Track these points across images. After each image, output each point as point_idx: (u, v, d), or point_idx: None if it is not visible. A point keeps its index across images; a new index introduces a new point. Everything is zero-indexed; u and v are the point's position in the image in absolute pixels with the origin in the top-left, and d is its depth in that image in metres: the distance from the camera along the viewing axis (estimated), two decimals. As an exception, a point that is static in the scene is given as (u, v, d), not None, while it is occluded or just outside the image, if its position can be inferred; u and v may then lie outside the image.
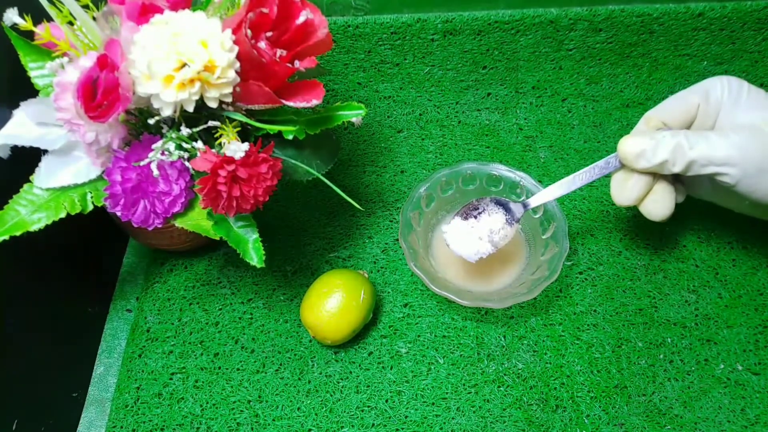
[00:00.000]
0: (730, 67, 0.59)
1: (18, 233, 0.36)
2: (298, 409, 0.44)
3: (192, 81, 0.34)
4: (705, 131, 0.36)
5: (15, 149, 0.37)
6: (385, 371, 0.45)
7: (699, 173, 0.36)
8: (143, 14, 0.35)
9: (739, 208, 0.41)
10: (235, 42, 0.35)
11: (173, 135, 0.37)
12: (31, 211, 0.37)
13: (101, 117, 0.34)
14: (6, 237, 0.35)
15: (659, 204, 0.39)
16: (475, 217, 0.45)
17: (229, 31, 0.34)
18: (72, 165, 0.38)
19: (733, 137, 0.35)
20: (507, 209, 0.45)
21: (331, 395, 0.44)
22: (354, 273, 0.46)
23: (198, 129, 0.37)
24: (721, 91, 0.38)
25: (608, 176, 0.42)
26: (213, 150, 0.36)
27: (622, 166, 0.40)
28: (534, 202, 0.44)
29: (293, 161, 0.41)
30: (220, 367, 0.46)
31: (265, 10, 0.35)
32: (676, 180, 0.41)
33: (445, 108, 0.61)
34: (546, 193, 0.44)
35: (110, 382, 0.48)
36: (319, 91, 0.38)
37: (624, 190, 0.40)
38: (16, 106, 0.37)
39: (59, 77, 0.34)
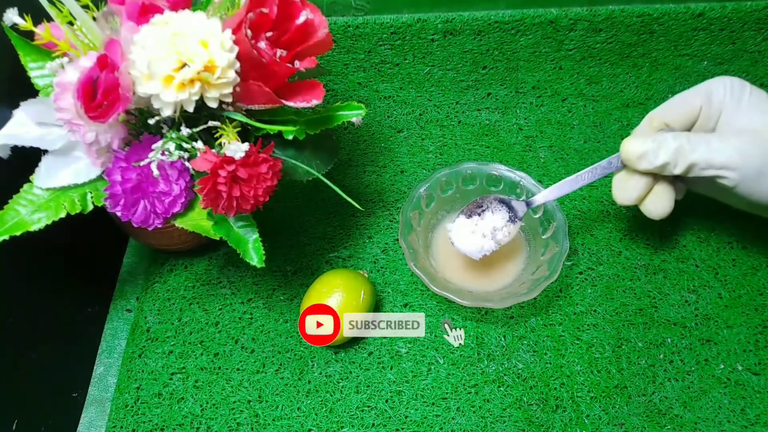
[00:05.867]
0: (730, 67, 0.59)
1: (18, 233, 0.36)
2: (298, 409, 0.44)
3: (192, 81, 0.34)
4: (706, 135, 0.37)
5: (15, 149, 0.37)
6: (385, 371, 0.45)
7: (699, 175, 0.37)
8: (143, 14, 0.35)
9: (738, 206, 0.42)
10: (235, 42, 0.35)
11: (173, 135, 0.37)
12: (31, 211, 0.37)
13: (101, 117, 0.34)
14: (6, 237, 0.35)
15: (659, 204, 0.40)
16: (479, 215, 0.46)
17: (229, 31, 0.34)
18: (72, 165, 0.38)
19: (734, 141, 0.36)
20: (510, 207, 0.46)
21: (331, 395, 0.44)
22: (354, 273, 0.46)
23: (198, 129, 0.37)
24: (724, 93, 0.38)
25: (609, 176, 0.42)
26: (213, 150, 0.36)
27: (624, 166, 0.41)
28: (537, 200, 0.45)
29: (293, 161, 0.41)
30: (220, 367, 0.46)
31: (265, 10, 0.35)
32: (677, 178, 0.41)
33: (445, 108, 0.61)
34: (549, 192, 0.44)
35: (110, 382, 0.48)
36: (319, 91, 0.38)
37: (625, 190, 0.40)
38: (16, 106, 0.37)
39: (59, 77, 0.34)
